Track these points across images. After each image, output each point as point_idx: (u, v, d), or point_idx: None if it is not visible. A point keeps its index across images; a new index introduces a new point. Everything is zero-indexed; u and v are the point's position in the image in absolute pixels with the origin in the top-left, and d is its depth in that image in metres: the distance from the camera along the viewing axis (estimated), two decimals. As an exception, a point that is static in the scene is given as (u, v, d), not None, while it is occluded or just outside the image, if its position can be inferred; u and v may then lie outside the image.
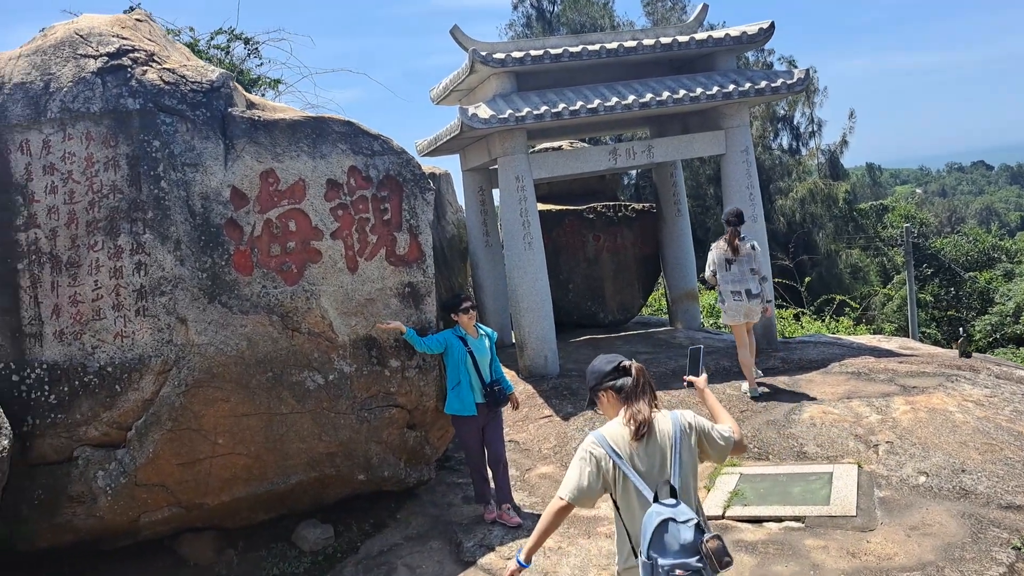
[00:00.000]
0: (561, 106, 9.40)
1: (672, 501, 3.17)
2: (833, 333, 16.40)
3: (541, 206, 12.59)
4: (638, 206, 13.03)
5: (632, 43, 9.93)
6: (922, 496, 6.08)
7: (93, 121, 5.84)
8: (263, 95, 14.15)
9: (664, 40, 9.99)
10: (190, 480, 5.89)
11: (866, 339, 10.77)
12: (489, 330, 6.69)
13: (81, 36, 6.05)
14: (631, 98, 9.55)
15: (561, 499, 3.34)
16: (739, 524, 6.03)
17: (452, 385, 6.39)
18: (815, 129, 30.62)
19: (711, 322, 16.17)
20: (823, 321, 17.91)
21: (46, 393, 5.74)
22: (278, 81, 14.12)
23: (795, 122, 31.83)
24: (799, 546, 5.56)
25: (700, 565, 3.07)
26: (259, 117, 6.13)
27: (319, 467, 6.26)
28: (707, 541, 3.08)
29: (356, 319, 6.23)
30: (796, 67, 29.23)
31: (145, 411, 5.72)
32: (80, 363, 5.75)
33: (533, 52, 9.67)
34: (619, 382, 3.38)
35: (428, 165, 14.65)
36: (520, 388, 9.60)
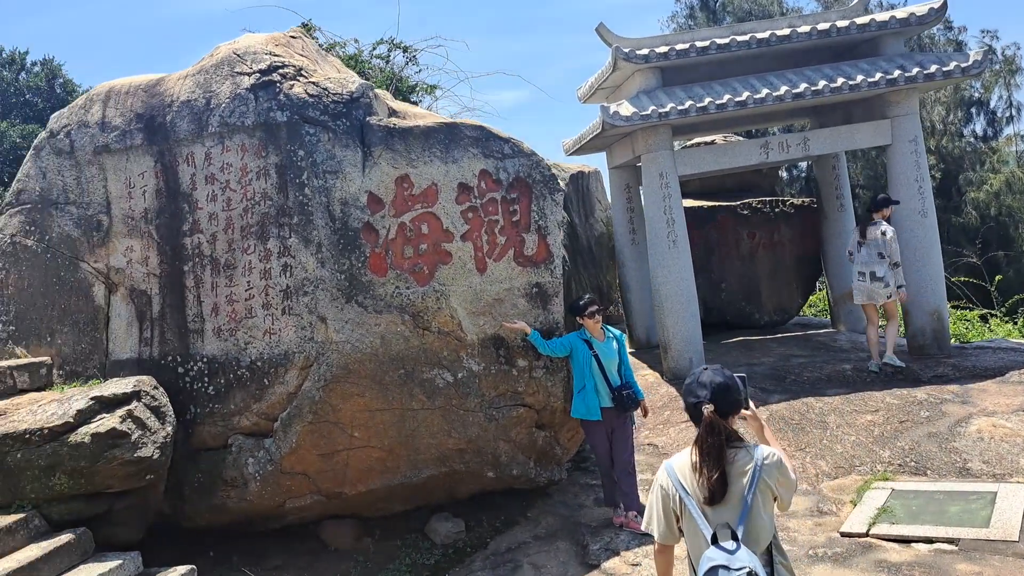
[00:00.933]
0: (707, 100, 9.11)
1: (731, 546, 2.95)
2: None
3: (692, 202, 12.28)
4: (797, 201, 12.39)
5: (786, 31, 9.45)
6: (1104, 526, 5.38)
7: (247, 134, 6.33)
8: (420, 101, 14.74)
9: (821, 26, 9.42)
10: (329, 470, 6.25)
11: (1056, 346, 9.66)
12: (617, 332, 6.60)
13: (238, 55, 6.57)
14: (783, 89, 9.09)
15: (657, 542, 3.26)
16: (884, 543, 5.60)
17: (578, 389, 6.37)
18: (1012, 114, 27.66)
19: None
20: (1016, 324, 16.19)
21: (206, 384, 6.30)
22: (434, 87, 14.66)
23: (991, 106, 28.96)
24: (948, 571, 5.08)
25: None
26: (395, 125, 6.39)
27: (449, 463, 6.44)
28: None
29: (484, 319, 6.36)
30: (997, 40, 26.66)
31: (289, 404, 6.14)
32: (235, 357, 6.25)
33: (678, 46, 9.43)
34: (698, 423, 3.17)
35: (577, 163, 14.69)
36: (663, 390, 9.42)
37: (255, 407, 6.19)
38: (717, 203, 12.23)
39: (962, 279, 18.55)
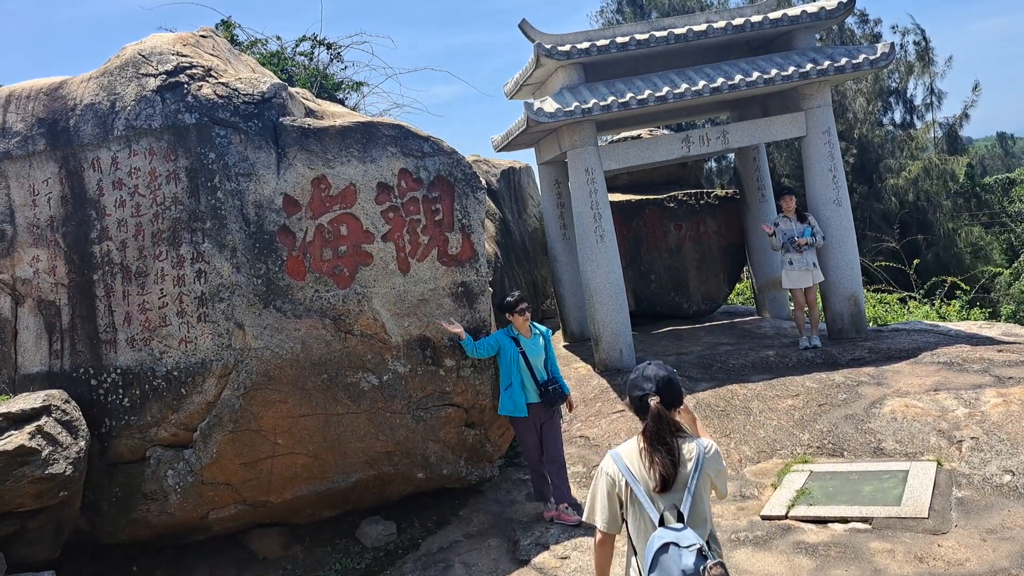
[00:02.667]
0: (629, 95, 9.21)
1: (678, 526, 3.09)
2: (943, 318, 15.42)
3: (620, 196, 12.42)
4: (721, 192, 12.65)
5: (703, 26, 9.62)
6: (1005, 497, 5.64)
7: (155, 137, 6.15)
8: (347, 98, 14.56)
9: (736, 22, 9.62)
10: (253, 479, 6.14)
11: (966, 326, 10.07)
12: (544, 328, 6.64)
13: (144, 56, 6.37)
14: (701, 83, 9.25)
15: (600, 531, 3.33)
16: (802, 525, 5.77)
17: (504, 386, 6.38)
18: (933, 101, 28.68)
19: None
20: (933, 306, 16.83)
21: (120, 396, 6.11)
22: (360, 84, 14.50)
23: (908, 95, 29.99)
24: (863, 549, 5.26)
25: None
26: (310, 125, 6.29)
27: (377, 466, 6.39)
28: (710, 568, 2.97)
29: (409, 320, 6.32)
30: (921, 33, 27.58)
31: (208, 413, 6.00)
32: (150, 368, 6.08)
33: (599, 42, 9.51)
34: (643, 417, 3.28)
35: (507, 160, 14.72)
36: (595, 382, 9.51)
37: (173, 418, 6.04)
38: (645, 197, 12.41)
39: (883, 263, 19.22)
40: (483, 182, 6.81)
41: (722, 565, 2.98)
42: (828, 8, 9.60)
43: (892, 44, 9.62)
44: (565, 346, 11.58)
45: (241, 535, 6.69)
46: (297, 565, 6.39)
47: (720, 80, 9.25)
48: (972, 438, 6.50)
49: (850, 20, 27.35)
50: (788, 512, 5.92)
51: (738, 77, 9.26)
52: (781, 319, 11.61)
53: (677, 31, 9.54)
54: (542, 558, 5.92)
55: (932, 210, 27.38)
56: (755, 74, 9.27)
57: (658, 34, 9.53)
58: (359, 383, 6.18)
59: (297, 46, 14.24)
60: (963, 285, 17.71)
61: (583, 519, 3.40)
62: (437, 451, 6.54)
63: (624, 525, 3.28)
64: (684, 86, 9.22)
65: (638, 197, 12.45)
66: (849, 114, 26.98)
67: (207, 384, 5.99)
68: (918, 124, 30.10)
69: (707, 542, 3.16)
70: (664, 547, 3.01)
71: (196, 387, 6.00)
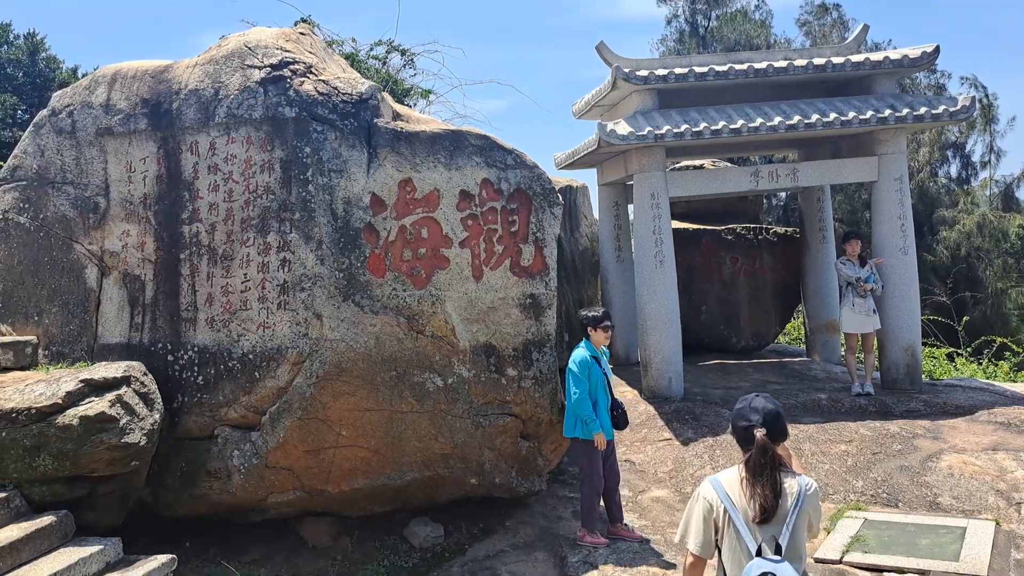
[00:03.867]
0: (702, 125, 9.27)
1: (776, 558, 3.13)
2: (989, 378, 15.18)
3: (677, 224, 12.44)
4: (780, 230, 12.62)
5: (783, 63, 9.66)
6: (1068, 565, 5.57)
7: (254, 127, 6.34)
8: (414, 105, 14.79)
9: (817, 61, 9.65)
10: (314, 467, 6.26)
11: (1022, 388, 9.93)
12: (605, 349, 6.71)
13: (249, 48, 6.58)
14: (777, 119, 9.29)
15: (692, 554, 3.37)
16: (857, 571, 5.73)
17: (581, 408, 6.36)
18: (991, 159, 28.36)
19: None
20: (980, 364, 16.57)
21: (195, 374, 6.28)
22: (429, 91, 14.72)
23: (967, 150, 29.67)
24: (920, 603, 5.23)
25: None
26: (402, 129, 6.44)
27: (433, 467, 6.48)
28: None
29: (477, 326, 6.42)
30: (984, 91, 27.37)
31: (279, 398, 6.14)
32: (226, 349, 6.24)
33: (677, 70, 9.60)
34: (746, 448, 3.33)
35: (565, 177, 14.82)
36: (641, 408, 9.52)
37: (244, 400, 6.19)
38: (702, 226, 12.42)
39: (929, 317, 18.97)
40: (560, 199, 6.90)
41: None
42: (912, 56, 9.59)
43: (973, 98, 9.58)
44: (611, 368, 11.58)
45: (293, 521, 6.80)
46: (346, 557, 6.48)
47: (796, 118, 9.27)
48: (1032, 501, 6.42)
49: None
50: (842, 557, 5.89)
51: (815, 117, 9.27)
52: (832, 363, 11.53)
53: (757, 65, 9.58)
54: (590, 576, 5.95)
55: (982, 267, 26.96)
56: (832, 115, 9.28)
57: (738, 67, 9.58)
58: (425, 383, 6.28)
59: (371, 50, 14.50)
60: (1014, 347, 17.43)
61: (676, 540, 3.44)
62: (492, 459, 6.61)
63: (717, 551, 3.32)
64: (759, 121, 9.26)
65: (695, 226, 12.46)
66: (911, 163, 26.76)
67: (280, 370, 6.13)
68: (973, 180, 29.74)
69: None
70: None
71: (270, 372, 6.14)
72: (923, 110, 9.34)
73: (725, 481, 3.33)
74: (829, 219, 11.86)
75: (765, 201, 27.93)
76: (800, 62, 9.65)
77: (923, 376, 11.81)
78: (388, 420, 6.24)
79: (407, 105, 14.51)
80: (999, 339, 17.99)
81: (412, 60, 14.24)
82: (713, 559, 3.38)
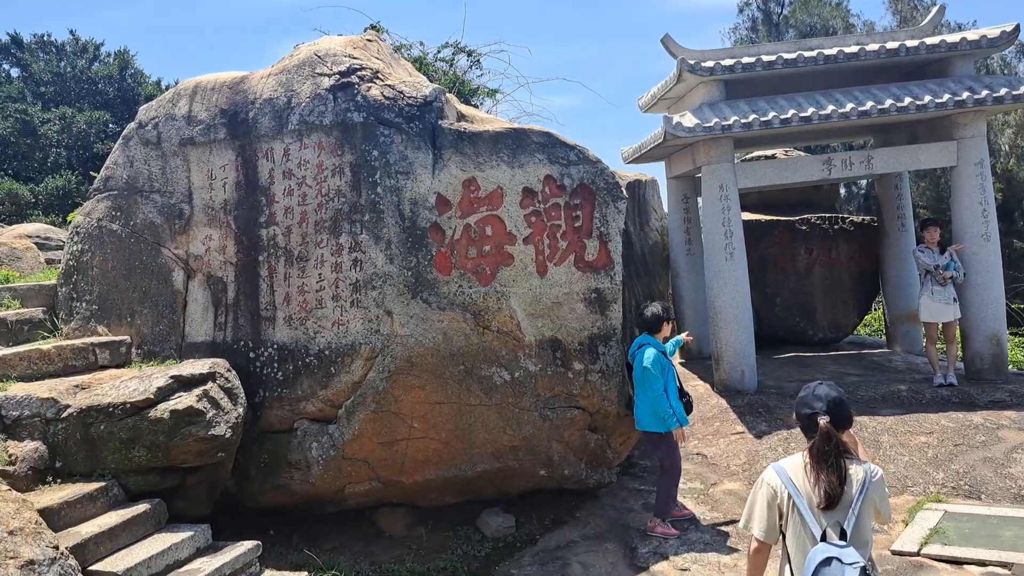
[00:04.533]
0: (771, 114, 9.14)
1: (841, 543, 3.15)
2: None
3: (749, 215, 12.28)
4: (857, 219, 12.30)
5: (854, 48, 9.44)
6: None
7: (325, 132, 6.61)
8: (480, 104, 14.99)
9: (890, 45, 9.39)
10: (388, 458, 6.48)
11: (1120, 377, 9.45)
12: (673, 342, 6.78)
13: (319, 56, 6.85)
14: (849, 106, 9.08)
15: (756, 540, 3.42)
16: (935, 564, 5.62)
17: (653, 399, 6.45)
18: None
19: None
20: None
21: (275, 370, 6.58)
22: (495, 91, 14.93)
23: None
24: (1000, 596, 5.10)
25: None
26: (465, 129, 6.60)
27: (503, 458, 6.62)
28: None
29: (543, 321, 6.52)
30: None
31: (354, 392, 6.39)
32: (304, 346, 6.53)
33: (744, 60, 9.49)
34: (810, 435, 3.37)
35: (633, 172, 14.78)
36: (713, 401, 9.47)
37: (321, 394, 6.45)
38: (775, 217, 12.21)
39: (1020, 306, 18.12)
40: (624, 193, 6.94)
41: None
42: (990, 37, 9.25)
43: (1059, 75, 9.17)
44: (682, 363, 11.53)
45: (369, 511, 7.05)
46: (421, 546, 6.68)
47: (869, 104, 9.05)
48: None
49: (1009, 50, 26.01)
50: (920, 549, 5.78)
51: (888, 102, 9.04)
52: (913, 354, 11.19)
53: (827, 52, 9.40)
54: (661, 567, 6.00)
55: (1081, 253, 25.57)
56: (907, 99, 9.03)
57: (807, 54, 9.42)
58: (492, 377, 6.43)
59: (439, 52, 14.77)
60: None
61: (740, 527, 3.48)
62: (560, 451, 6.71)
63: (781, 537, 3.35)
64: (830, 108, 9.08)
65: (768, 217, 12.27)
66: (994, 146, 25.59)
67: (355, 365, 6.38)
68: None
69: (867, 566, 3.19)
70: (827, 560, 3.07)
71: (344, 367, 6.40)
72: (1003, 91, 9.00)
73: (789, 467, 3.36)
74: (908, 206, 11.51)
75: (845, 190, 27.19)
76: (872, 47, 9.41)
77: (1009, 366, 11.37)
78: (457, 413, 6.41)
79: (474, 105, 14.73)
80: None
81: (478, 61, 14.49)
82: (777, 545, 3.41)
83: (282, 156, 6.71)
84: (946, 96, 9.01)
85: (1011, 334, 16.59)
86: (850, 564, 3.05)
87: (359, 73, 6.68)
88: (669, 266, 12.25)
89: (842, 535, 3.17)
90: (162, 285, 7.02)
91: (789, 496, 3.29)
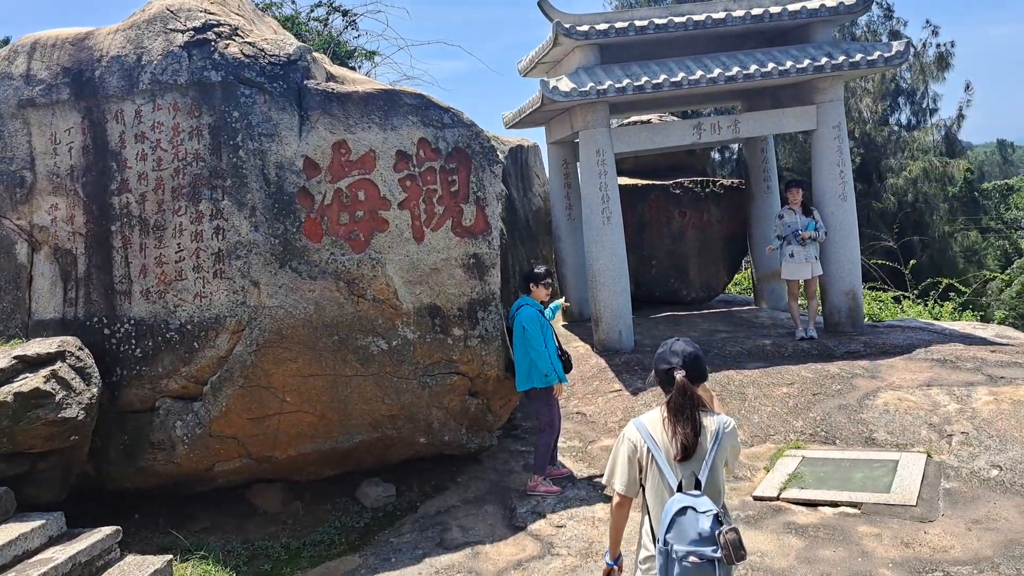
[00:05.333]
0: (644, 79, 9.27)
1: (696, 492, 3.24)
2: (937, 319, 15.64)
3: (626, 180, 12.50)
4: (726, 182, 12.75)
5: (721, 15, 9.66)
6: (991, 490, 5.81)
7: (180, 92, 6.21)
8: (359, 67, 14.55)
9: (755, 11, 9.67)
10: (259, 434, 6.26)
11: (960, 326, 10.25)
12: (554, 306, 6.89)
13: (171, 11, 6.41)
14: (716, 71, 9.32)
15: (618, 494, 3.47)
16: (792, 506, 5.93)
17: (534, 356, 6.55)
18: (931, 105, 28.83)
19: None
20: (926, 306, 17.04)
21: (133, 347, 6.21)
22: (374, 53, 14.50)
23: (917, 96, 30.06)
24: (851, 532, 5.43)
25: (715, 555, 3.10)
26: (333, 89, 6.35)
27: (381, 428, 6.52)
28: (725, 532, 3.11)
29: (421, 288, 6.42)
30: (937, 34, 27.72)
31: (219, 368, 6.11)
32: (163, 320, 6.18)
33: (618, 24, 9.56)
34: (668, 389, 3.42)
35: (516, 137, 14.75)
36: (593, 362, 9.65)
37: (184, 370, 6.14)
38: (650, 182, 12.49)
39: (879, 262, 19.37)
40: (500, 157, 6.89)
41: (736, 531, 3.12)
42: (847, 3, 9.66)
43: (908, 42, 9.70)
44: (564, 325, 11.70)
45: (243, 489, 6.82)
46: (297, 521, 6.53)
47: (735, 69, 9.32)
48: (962, 433, 6.67)
49: (876, 15, 27.53)
50: (780, 494, 6.09)
51: (753, 67, 9.33)
52: (779, 310, 11.76)
53: (696, 17, 9.59)
54: (538, 526, 6.08)
55: (929, 212, 27.55)
56: (770, 65, 9.34)
57: (677, 19, 9.58)
58: (368, 347, 6.29)
59: (312, 11, 14.20)
60: (959, 287, 17.92)
61: (604, 482, 3.54)
62: (440, 417, 6.67)
63: (641, 490, 3.42)
64: (699, 73, 9.29)
65: (644, 182, 12.53)
66: (854, 112, 27.08)
67: (220, 339, 6.09)
68: (924, 125, 30.19)
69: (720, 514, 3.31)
70: (682, 510, 3.15)
71: (209, 341, 6.10)
72: (859, 56, 9.44)
73: (648, 422, 3.43)
74: (773, 169, 12.00)
75: (720, 154, 28.17)
76: (738, 13, 9.66)
77: (866, 319, 12.14)
78: (332, 384, 6.25)
79: (351, 67, 14.28)
80: (945, 280, 18.49)
81: (354, 21, 13.99)
82: (638, 498, 3.48)
83: (134, 118, 6.27)
84: (806, 62, 9.38)
85: (869, 288, 17.75)
86: (704, 512, 3.14)
87: (216, 29, 6.30)
88: (552, 230, 12.36)
89: (696, 485, 3.26)
90: (3, 259, 6.47)
91: (648, 450, 3.35)
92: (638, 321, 11.32)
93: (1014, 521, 5.33)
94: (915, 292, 18.57)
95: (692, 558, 3.09)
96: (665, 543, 3.16)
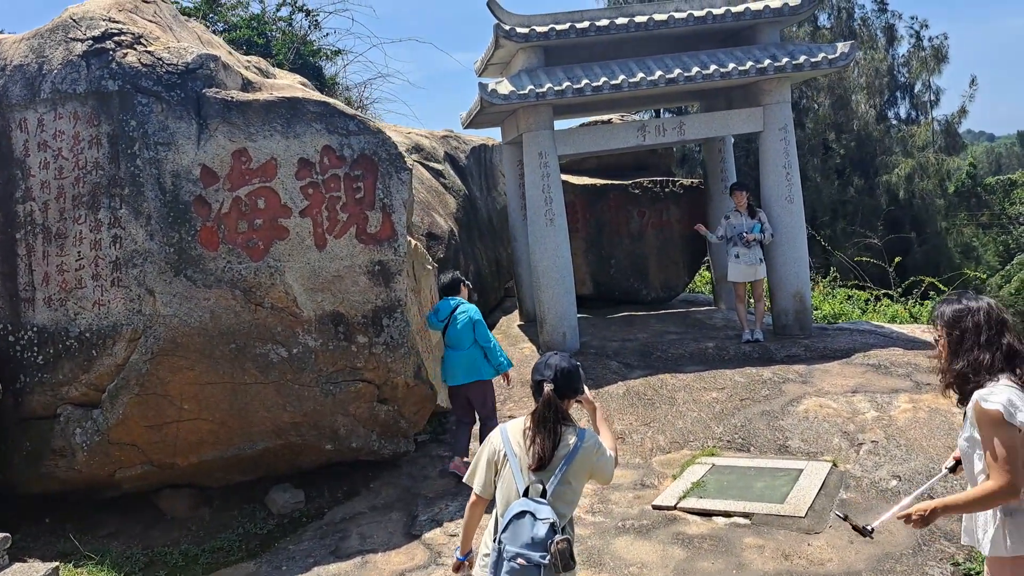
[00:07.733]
0: (584, 82, 9.21)
1: (540, 500, 3.31)
2: (916, 319, 15.43)
3: (587, 180, 12.45)
4: (686, 182, 12.66)
5: (664, 16, 9.59)
6: (886, 501, 5.73)
7: (79, 101, 6.25)
8: (322, 65, 14.55)
9: (698, 13, 9.58)
10: (159, 441, 6.30)
11: (909, 329, 10.12)
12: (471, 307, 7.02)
13: (74, 20, 6.45)
14: (658, 74, 9.24)
15: (475, 494, 3.58)
16: (688, 516, 5.89)
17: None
18: (932, 99, 28.43)
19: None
20: (906, 305, 16.82)
21: (35, 354, 6.27)
22: (339, 52, 14.53)
23: (915, 91, 29.68)
24: (735, 543, 5.38)
25: (542, 560, 3.18)
26: (232, 98, 6.36)
27: (285, 435, 6.54)
28: (557, 541, 3.20)
29: (323, 295, 6.43)
30: (926, 29, 27.39)
31: (117, 375, 6.15)
32: (64, 328, 6.23)
33: (559, 26, 9.50)
34: (537, 400, 3.50)
35: (481, 136, 14.74)
36: (535, 365, 9.61)
37: (83, 378, 6.19)
38: (610, 181, 12.42)
39: (868, 259, 19.15)
40: (409, 163, 6.88)
41: (568, 541, 3.21)
42: (792, 4, 9.54)
43: (852, 44, 9.59)
44: (520, 326, 11.69)
45: (153, 494, 6.87)
46: (202, 526, 6.57)
47: (677, 71, 9.24)
48: (872, 441, 6.59)
49: (870, 9, 27.21)
50: (678, 503, 6.04)
51: (695, 69, 9.24)
52: (734, 311, 11.66)
53: (638, 19, 9.51)
54: (433, 534, 6.08)
55: (926, 208, 27.22)
56: (712, 67, 9.25)
57: (619, 21, 9.51)
58: (268, 354, 6.31)
59: (277, 11, 14.25)
60: (940, 286, 17.66)
61: (464, 481, 3.67)
62: (347, 424, 6.68)
63: (496, 498, 3.52)
64: (640, 75, 9.22)
65: (603, 181, 12.46)
66: (850, 106, 26.78)
67: (117, 347, 6.13)
68: (923, 120, 29.79)
69: (566, 524, 3.39)
70: (521, 514, 3.25)
71: (106, 349, 6.15)
72: (803, 59, 9.33)
73: (511, 429, 3.53)
74: (731, 169, 11.89)
75: (685, 154, 27.90)
76: (680, 15, 9.58)
77: (824, 321, 12.02)
78: (231, 392, 6.27)
79: (317, 66, 14.31)
80: (927, 279, 18.25)
81: (317, 21, 14.02)
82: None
83: (36, 126, 6.32)
84: (749, 63, 9.28)
85: (857, 287, 17.54)
86: (542, 519, 3.23)
87: (116, 38, 6.32)
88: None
89: (543, 494, 3.33)
90: (-87, 267, 6.54)
91: (504, 455, 3.45)
92: (593, 322, 11.28)
93: (896, 534, 5.25)
94: (898, 291, 18.36)
95: (520, 560, 3.21)
96: (499, 542, 3.28)
